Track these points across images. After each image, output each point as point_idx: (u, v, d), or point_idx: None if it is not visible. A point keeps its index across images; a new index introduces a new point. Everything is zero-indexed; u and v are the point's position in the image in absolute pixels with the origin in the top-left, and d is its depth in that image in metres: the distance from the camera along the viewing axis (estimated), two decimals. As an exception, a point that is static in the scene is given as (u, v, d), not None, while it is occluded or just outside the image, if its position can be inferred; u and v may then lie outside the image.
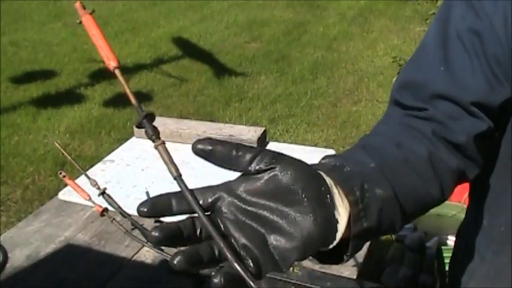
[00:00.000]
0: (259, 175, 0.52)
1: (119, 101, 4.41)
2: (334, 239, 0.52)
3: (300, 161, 0.54)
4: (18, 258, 1.24)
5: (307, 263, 1.16)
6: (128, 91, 0.59)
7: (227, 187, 0.53)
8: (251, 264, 0.49)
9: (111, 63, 0.62)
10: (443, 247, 2.33)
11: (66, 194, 1.46)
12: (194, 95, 4.55)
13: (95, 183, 1.26)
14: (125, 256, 1.24)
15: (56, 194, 1.49)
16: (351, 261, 1.20)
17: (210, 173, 1.56)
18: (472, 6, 0.73)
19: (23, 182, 3.30)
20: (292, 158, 0.54)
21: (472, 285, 0.89)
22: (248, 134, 1.68)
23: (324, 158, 0.62)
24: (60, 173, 1.30)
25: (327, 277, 1.09)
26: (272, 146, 1.69)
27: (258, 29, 6.12)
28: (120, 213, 1.24)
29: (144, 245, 1.21)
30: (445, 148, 0.72)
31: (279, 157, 0.53)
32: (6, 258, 1.23)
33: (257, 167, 0.52)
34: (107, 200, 1.24)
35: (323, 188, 0.53)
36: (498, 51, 0.72)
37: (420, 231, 2.33)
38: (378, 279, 2.28)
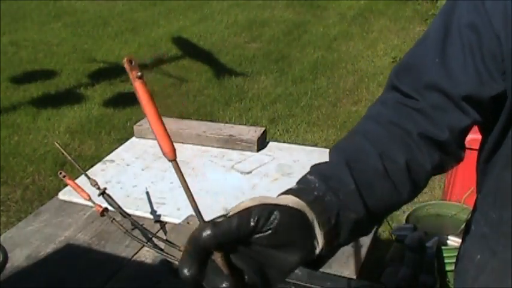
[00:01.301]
0: (270, 231, 0.62)
1: (119, 101, 4.41)
2: (314, 256, 0.66)
3: (286, 208, 0.64)
4: (18, 258, 1.24)
5: (307, 263, 1.16)
6: (185, 188, 0.64)
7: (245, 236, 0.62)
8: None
9: (167, 157, 0.67)
10: (443, 247, 2.33)
11: (66, 194, 1.46)
12: (194, 95, 4.56)
13: (95, 183, 1.26)
14: (124, 256, 1.24)
15: (56, 194, 1.49)
16: (351, 261, 1.20)
17: (210, 173, 1.56)
18: (474, 2, 0.75)
19: (23, 182, 3.30)
20: (280, 207, 0.64)
21: (482, 280, 0.89)
22: (248, 134, 1.68)
23: (312, 173, 0.72)
24: (60, 173, 1.31)
25: (327, 277, 1.09)
26: (272, 146, 1.69)
27: (258, 29, 6.12)
28: (120, 213, 1.24)
29: (144, 245, 1.21)
30: (426, 148, 0.78)
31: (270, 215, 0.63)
32: (6, 258, 1.23)
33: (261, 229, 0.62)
34: (107, 200, 1.24)
35: (306, 226, 0.65)
36: (495, 48, 0.73)
37: (420, 231, 2.32)
38: (378, 279, 2.28)
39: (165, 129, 0.68)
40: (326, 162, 0.75)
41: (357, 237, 0.74)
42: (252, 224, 0.61)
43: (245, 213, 0.61)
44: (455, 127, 0.78)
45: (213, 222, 0.60)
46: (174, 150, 0.67)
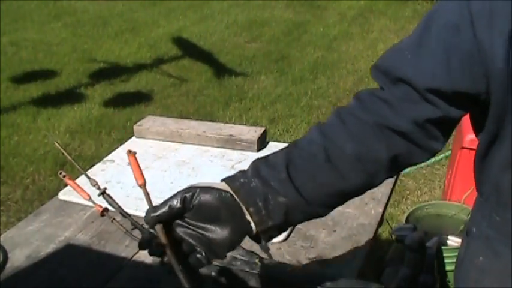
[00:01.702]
0: (194, 209, 0.81)
1: (119, 101, 4.41)
2: (252, 232, 0.81)
3: (214, 190, 0.82)
4: (18, 258, 1.24)
5: (308, 263, 1.16)
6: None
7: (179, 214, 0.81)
8: (203, 254, 0.82)
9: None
10: (443, 247, 2.33)
11: (66, 194, 1.46)
12: (194, 95, 4.55)
13: (95, 183, 1.25)
14: (125, 256, 1.24)
15: (56, 194, 1.49)
16: (351, 261, 1.20)
17: (209, 173, 1.56)
18: (460, 2, 0.76)
19: (23, 182, 3.30)
20: (208, 188, 0.83)
21: (485, 283, 0.88)
22: (248, 134, 1.68)
23: (253, 162, 0.85)
24: (60, 173, 1.30)
25: (327, 277, 1.09)
26: (272, 145, 1.69)
27: (258, 29, 6.12)
28: (120, 213, 1.24)
29: (144, 245, 1.21)
30: (385, 138, 0.82)
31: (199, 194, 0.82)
32: (6, 258, 1.23)
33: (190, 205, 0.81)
34: (107, 200, 1.23)
35: (234, 206, 0.81)
36: (473, 49, 0.75)
37: (420, 231, 2.32)
38: (378, 279, 2.28)
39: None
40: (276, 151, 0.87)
41: (303, 219, 0.86)
42: (180, 204, 0.79)
43: (174, 196, 0.80)
44: (421, 118, 0.81)
45: (153, 206, 0.81)
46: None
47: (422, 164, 3.38)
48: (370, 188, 0.89)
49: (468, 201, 2.47)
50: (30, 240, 1.30)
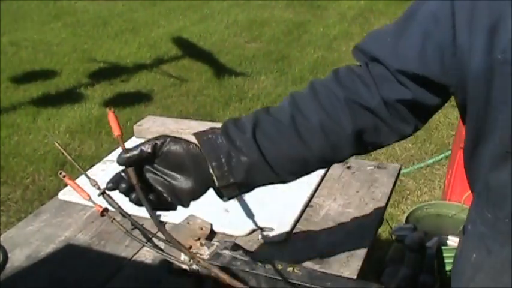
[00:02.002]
0: (162, 156, 0.88)
1: (118, 101, 4.41)
2: (215, 185, 0.87)
3: (183, 141, 0.88)
4: (18, 258, 1.24)
5: (308, 263, 1.16)
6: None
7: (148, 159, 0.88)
8: (168, 200, 0.90)
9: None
10: (443, 247, 2.33)
11: (66, 194, 1.46)
12: (194, 95, 4.55)
13: (95, 183, 1.25)
14: (125, 256, 1.24)
15: (56, 194, 1.49)
16: (351, 261, 1.20)
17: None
18: None
19: (23, 182, 3.30)
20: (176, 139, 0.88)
21: (478, 279, 0.89)
22: (248, 134, 1.68)
23: (225, 122, 0.89)
24: (60, 173, 1.30)
25: (327, 277, 1.09)
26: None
27: (258, 29, 6.12)
28: (120, 213, 1.24)
29: (144, 245, 1.20)
30: (353, 112, 0.86)
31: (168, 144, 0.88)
32: (6, 258, 1.23)
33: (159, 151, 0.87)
34: (106, 200, 1.23)
35: (200, 159, 0.86)
36: (448, 41, 0.78)
37: (420, 231, 2.32)
38: (378, 279, 2.28)
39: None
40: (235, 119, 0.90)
41: (265, 181, 0.89)
42: (150, 149, 0.86)
43: (146, 142, 0.87)
44: (392, 98, 0.85)
45: (125, 149, 0.89)
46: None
47: (422, 164, 3.38)
48: (333, 162, 0.94)
49: (468, 201, 2.46)
50: (30, 240, 1.30)
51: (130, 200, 0.90)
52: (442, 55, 0.79)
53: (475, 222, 0.90)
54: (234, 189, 0.88)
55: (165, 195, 0.89)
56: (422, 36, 0.81)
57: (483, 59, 0.75)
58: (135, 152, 0.87)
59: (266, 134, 0.86)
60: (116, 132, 1.01)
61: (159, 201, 0.89)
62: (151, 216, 0.87)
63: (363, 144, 0.90)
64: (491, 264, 0.87)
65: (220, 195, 0.90)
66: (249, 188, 0.90)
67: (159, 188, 0.89)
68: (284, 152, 0.87)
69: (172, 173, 0.88)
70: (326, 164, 0.93)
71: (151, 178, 0.89)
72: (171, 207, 0.91)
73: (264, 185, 0.90)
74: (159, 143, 0.86)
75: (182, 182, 0.88)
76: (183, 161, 0.87)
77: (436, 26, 0.80)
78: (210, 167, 0.85)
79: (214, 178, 0.86)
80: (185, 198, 0.90)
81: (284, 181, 0.92)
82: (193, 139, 0.88)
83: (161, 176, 0.89)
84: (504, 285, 0.84)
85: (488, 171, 0.83)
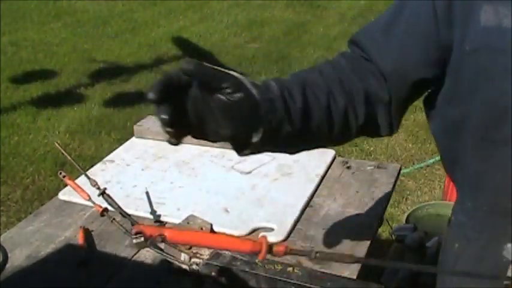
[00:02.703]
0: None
1: (118, 101, 4.41)
2: (246, 144, 0.79)
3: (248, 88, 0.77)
4: (18, 258, 1.24)
5: (307, 263, 1.16)
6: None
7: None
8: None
9: None
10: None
11: (66, 194, 1.46)
12: (194, 95, 4.55)
13: (95, 183, 1.26)
14: (125, 256, 1.24)
15: (56, 194, 1.49)
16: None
17: (210, 173, 1.56)
18: None
19: (23, 182, 3.30)
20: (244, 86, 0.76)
21: (458, 267, 0.93)
22: (248, 134, 1.68)
23: (273, 80, 0.83)
24: (60, 173, 1.31)
25: (327, 277, 1.09)
26: (272, 146, 1.69)
27: (258, 29, 6.12)
28: (120, 213, 1.24)
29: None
30: (365, 103, 0.87)
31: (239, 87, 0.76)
32: (6, 258, 1.23)
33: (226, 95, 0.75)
34: (106, 200, 1.24)
35: (255, 112, 0.77)
36: (433, 38, 0.82)
37: (420, 231, 2.32)
38: (378, 279, 2.28)
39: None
40: (286, 78, 0.86)
41: (276, 149, 0.87)
42: (224, 83, 0.74)
43: (224, 72, 0.76)
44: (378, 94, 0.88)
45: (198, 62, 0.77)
46: None
47: (422, 164, 3.38)
48: (334, 143, 0.94)
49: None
50: (30, 240, 1.30)
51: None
52: (428, 50, 0.83)
53: (457, 213, 0.94)
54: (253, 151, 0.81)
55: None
56: (410, 35, 0.85)
57: (457, 52, 0.80)
58: (210, 72, 0.76)
59: (309, 107, 0.83)
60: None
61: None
62: None
63: (360, 132, 0.91)
64: (470, 253, 0.90)
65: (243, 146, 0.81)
66: (272, 139, 0.81)
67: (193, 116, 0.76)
68: (314, 127, 0.84)
69: (221, 116, 0.76)
70: (328, 144, 0.93)
71: (190, 105, 0.76)
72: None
73: (268, 150, 0.85)
74: (233, 83, 0.75)
75: (222, 126, 0.76)
76: (243, 110, 0.76)
77: (418, 22, 0.84)
78: (261, 129, 0.77)
79: (258, 138, 0.77)
80: (215, 137, 0.78)
81: (287, 152, 0.94)
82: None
83: (204, 109, 0.76)
84: (482, 272, 0.87)
85: (465, 160, 0.86)
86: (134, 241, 0.70)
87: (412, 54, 0.84)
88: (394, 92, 0.88)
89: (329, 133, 0.86)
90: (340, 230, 1.31)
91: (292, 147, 0.91)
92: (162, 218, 1.35)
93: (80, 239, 1.26)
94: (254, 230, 1.29)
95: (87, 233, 1.30)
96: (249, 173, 1.54)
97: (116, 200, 1.24)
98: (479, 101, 0.80)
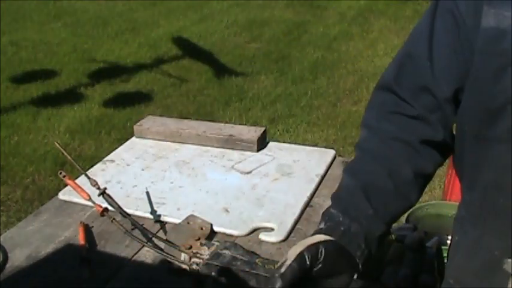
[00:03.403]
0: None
1: (118, 101, 4.41)
2: (359, 270, 0.87)
3: (327, 243, 0.83)
4: (18, 258, 1.24)
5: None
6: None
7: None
8: None
9: None
10: (443, 247, 2.32)
11: (66, 194, 1.46)
12: (194, 95, 4.55)
13: (95, 183, 1.25)
14: (125, 256, 1.24)
15: (56, 194, 1.49)
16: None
17: (210, 173, 1.56)
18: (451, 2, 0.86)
19: (23, 182, 3.30)
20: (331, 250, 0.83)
21: (456, 260, 0.96)
22: (248, 134, 1.68)
23: (334, 206, 0.90)
24: (60, 173, 1.30)
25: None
26: (272, 145, 1.69)
27: (258, 29, 6.12)
28: (120, 213, 1.24)
29: (144, 245, 1.21)
30: (428, 151, 0.91)
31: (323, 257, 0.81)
32: (6, 258, 1.23)
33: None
34: (106, 200, 1.23)
35: (345, 253, 0.85)
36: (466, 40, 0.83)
37: (420, 231, 2.32)
38: (378, 279, 2.28)
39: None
40: (343, 188, 0.91)
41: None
42: (308, 263, 0.79)
43: (300, 257, 0.79)
44: (448, 124, 0.91)
45: (280, 274, 0.78)
46: None
47: (422, 164, 3.37)
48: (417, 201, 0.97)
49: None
50: (30, 240, 1.30)
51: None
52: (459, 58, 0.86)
53: (459, 207, 0.97)
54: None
55: None
56: (452, 52, 0.86)
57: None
58: (294, 272, 0.79)
59: (380, 203, 0.89)
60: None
61: None
62: None
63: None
64: (466, 245, 0.93)
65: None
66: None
67: None
68: (396, 211, 0.93)
69: (330, 279, 0.84)
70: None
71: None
72: None
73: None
74: (314, 253, 0.81)
75: (340, 282, 0.85)
76: (338, 260, 0.84)
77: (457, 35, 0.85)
78: (356, 257, 0.86)
79: (359, 261, 0.87)
80: None
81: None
82: (324, 237, 0.85)
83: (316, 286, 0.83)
84: (475, 265, 0.89)
85: (465, 155, 0.90)
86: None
87: (457, 68, 0.86)
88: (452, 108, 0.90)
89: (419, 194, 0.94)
90: (340, 230, 1.31)
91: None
92: (162, 218, 1.35)
93: (80, 236, 1.26)
94: (254, 230, 1.29)
95: (87, 230, 1.30)
96: (249, 173, 1.54)
97: (116, 200, 1.24)
98: (474, 100, 0.83)
